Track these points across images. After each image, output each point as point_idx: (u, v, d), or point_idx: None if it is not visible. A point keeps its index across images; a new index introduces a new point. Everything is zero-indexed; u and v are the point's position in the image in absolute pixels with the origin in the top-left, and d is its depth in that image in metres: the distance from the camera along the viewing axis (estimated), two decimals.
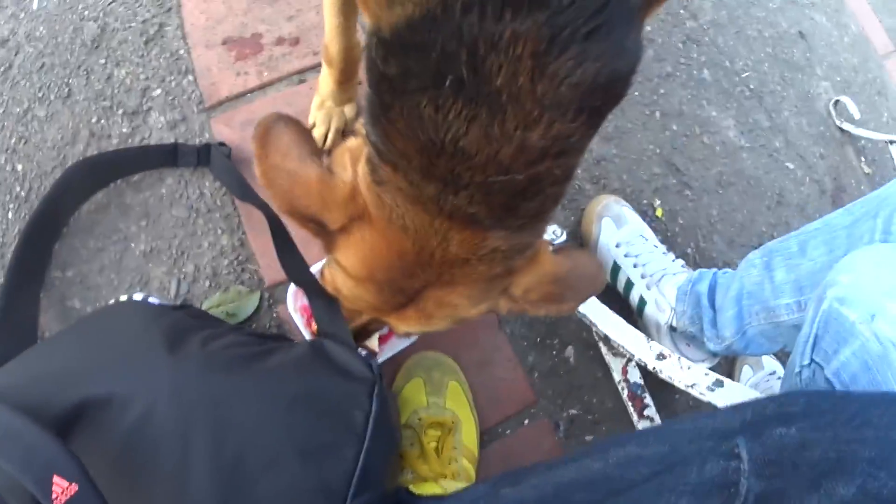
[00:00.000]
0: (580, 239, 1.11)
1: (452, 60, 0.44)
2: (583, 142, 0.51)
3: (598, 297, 1.01)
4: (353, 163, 0.58)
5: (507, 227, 0.54)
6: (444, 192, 0.50)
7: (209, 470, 0.57)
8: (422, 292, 0.58)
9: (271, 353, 0.72)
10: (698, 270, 1.04)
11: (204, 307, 1.03)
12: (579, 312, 1.01)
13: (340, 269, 0.61)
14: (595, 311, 1.00)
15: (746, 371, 1.21)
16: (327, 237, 0.60)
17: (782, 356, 1.20)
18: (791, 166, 1.37)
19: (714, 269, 1.02)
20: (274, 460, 0.59)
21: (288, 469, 0.59)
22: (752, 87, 1.40)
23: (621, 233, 1.07)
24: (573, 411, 1.06)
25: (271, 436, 0.61)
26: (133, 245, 1.07)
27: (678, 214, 1.19)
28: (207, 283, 1.05)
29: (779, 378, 1.20)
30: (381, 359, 0.92)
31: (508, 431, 1.04)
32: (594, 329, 1.01)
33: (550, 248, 0.64)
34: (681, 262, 1.07)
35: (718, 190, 1.25)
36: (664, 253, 1.07)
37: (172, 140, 1.10)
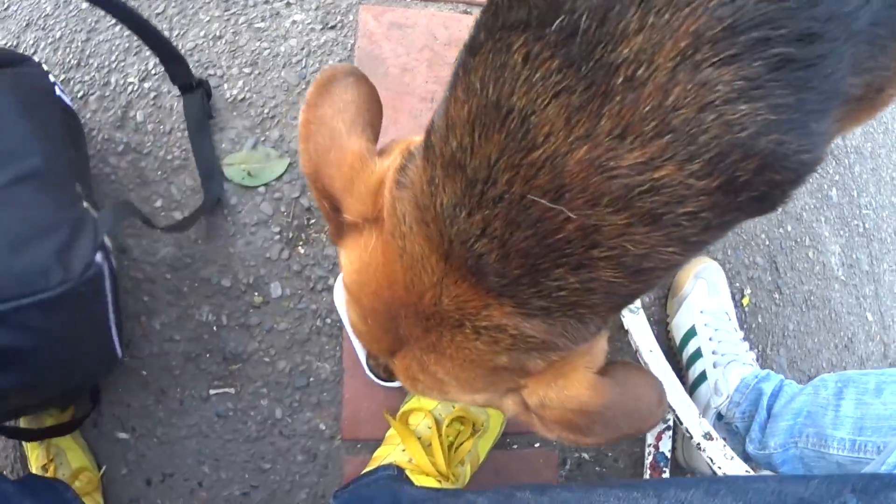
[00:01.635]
0: (668, 289, 1.04)
1: None
2: (695, 227, 0.33)
3: (667, 356, 0.94)
4: (400, 153, 0.46)
5: (521, 303, 0.38)
6: (461, 205, 0.36)
7: None
8: (406, 344, 0.45)
9: None
10: (767, 370, 0.97)
11: (225, 162, 0.95)
12: (644, 361, 0.93)
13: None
14: (659, 367, 0.92)
15: None
16: (338, 225, 0.48)
17: None
18: (870, 318, 1.32)
19: (783, 377, 0.96)
20: None
21: None
22: (866, 225, 1.35)
23: (711, 301, 1.00)
24: (585, 455, 0.98)
25: None
26: (226, 87, 0.98)
27: (759, 312, 1.13)
28: (288, 161, 0.97)
29: None
30: None
31: (515, 446, 0.95)
32: None
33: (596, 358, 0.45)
34: (753, 354, 1.00)
35: (803, 307, 1.18)
36: (742, 340, 1.00)
37: (315, 7, 1.01)
